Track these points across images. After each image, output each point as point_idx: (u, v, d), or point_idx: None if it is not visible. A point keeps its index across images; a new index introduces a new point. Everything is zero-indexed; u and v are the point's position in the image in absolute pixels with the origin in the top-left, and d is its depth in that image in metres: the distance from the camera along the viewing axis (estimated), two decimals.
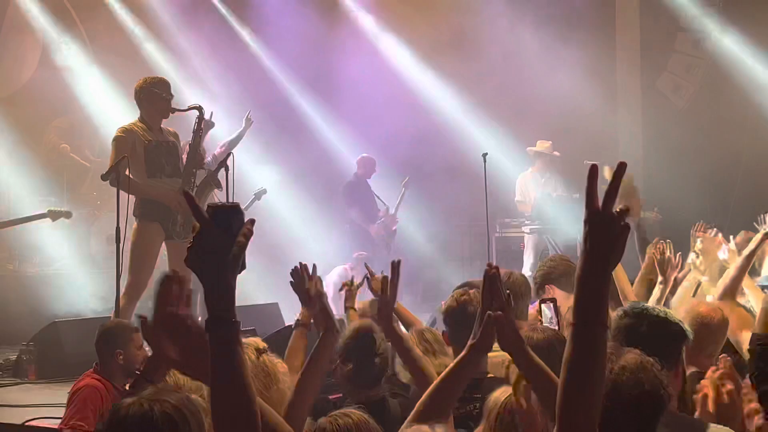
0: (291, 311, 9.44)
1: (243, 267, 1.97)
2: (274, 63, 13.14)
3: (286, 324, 8.21)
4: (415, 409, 2.76)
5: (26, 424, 5.67)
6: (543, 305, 4.06)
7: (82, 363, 6.31)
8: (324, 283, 10.84)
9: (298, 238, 12.37)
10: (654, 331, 3.17)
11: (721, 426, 3.12)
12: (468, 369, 2.76)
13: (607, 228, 1.99)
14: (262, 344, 3.26)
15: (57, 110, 11.84)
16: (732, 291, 4.73)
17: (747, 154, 11.52)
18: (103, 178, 7.28)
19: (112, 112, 10.94)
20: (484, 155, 9.89)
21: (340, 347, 3.36)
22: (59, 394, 6.38)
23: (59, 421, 5.04)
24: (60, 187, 11.39)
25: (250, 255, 1.97)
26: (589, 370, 2.01)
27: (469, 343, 2.72)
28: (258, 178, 12.07)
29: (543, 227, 10.70)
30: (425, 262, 12.70)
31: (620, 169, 1.99)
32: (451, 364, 2.79)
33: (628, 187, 6.32)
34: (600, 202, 1.99)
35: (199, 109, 7.58)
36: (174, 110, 7.47)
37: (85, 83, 11.89)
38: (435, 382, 2.81)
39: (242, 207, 1.98)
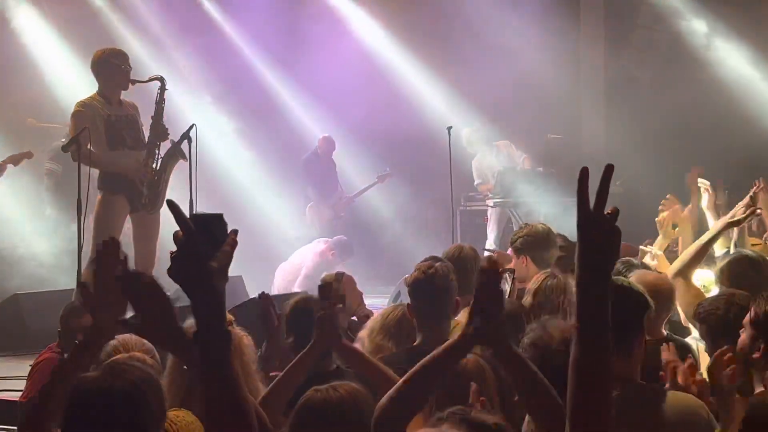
0: (255, 284, 9.43)
1: (226, 279, 1.89)
2: (239, 35, 13.00)
3: (250, 297, 8.21)
4: (383, 400, 2.54)
5: None
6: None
7: (43, 336, 6.28)
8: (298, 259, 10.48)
9: (265, 213, 12.33)
10: (624, 302, 3.21)
11: (682, 393, 3.17)
12: (456, 357, 2.58)
13: (599, 230, 2.01)
14: (229, 317, 3.26)
15: (14, 80, 11.60)
16: (687, 271, 4.74)
17: (710, 129, 11.62)
18: (64, 149, 7.20)
19: (70, 82, 10.78)
20: (449, 128, 9.90)
21: (284, 320, 3.35)
22: (20, 367, 6.34)
23: (20, 394, 5.01)
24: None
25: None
26: (594, 372, 2.02)
27: (463, 331, 2.50)
28: (221, 149, 12.02)
29: (506, 200, 10.75)
30: (389, 235, 12.71)
31: (608, 172, 2.00)
32: (435, 352, 2.56)
33: None
34: (591, 205, 2.00)
35: (161, 80, 7.49)
36: (134, 81, 7.37)
37: (43, 54, 11.69)
38: (412, 371, 2.56)
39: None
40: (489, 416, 2.16)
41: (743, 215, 4.92)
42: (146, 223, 7.25)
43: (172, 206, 1.91)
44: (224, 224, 1.91)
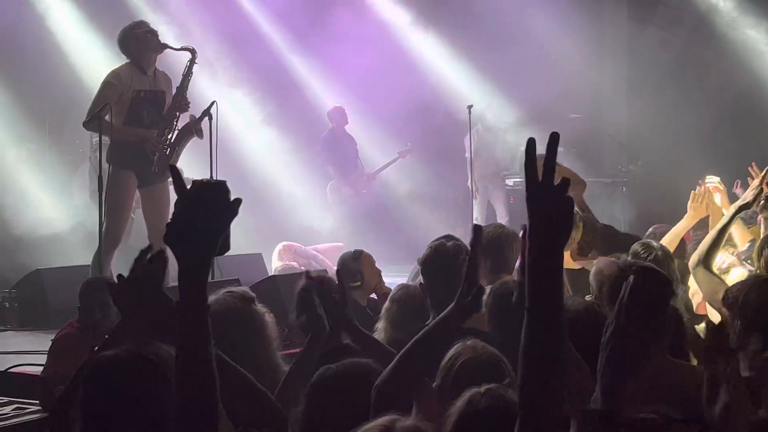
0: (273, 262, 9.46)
1: (227, 248, 1.88)
2: (261, 14, 12.94)
3: (270, 274, 8.24)
4: (384, 372, 2.58)
5: (9, 371, 5.68)
6: None
7: (64, 311, 6.33)
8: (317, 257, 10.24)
9: (286, 192, 12.35)
10: (649, 284, 3.29)
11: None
12: (448, 332, 2.61)
13: (549, 201, 1.88)
14: (250, 294, 3.29)
15: (35, 56, 11.61)
16: (707, 261, 4.65)
17: (733, 108, 11.53)
18: (87, 127, 7.24)
19: (90, 58, 10.80)
20: (470, 107, 9.86)
21: (295, 301, 3.40)
22: (42, 341, 6.40)
23: (41, 368, 5.05)
24: (41, 133, 11.27)
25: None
26: (545, 356, 1.87)
27: (455, 304, 2.59)
28: (241, 127, 12.02)
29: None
30: (409, 214, 12.71)
31: (553, 139, 1.89)
32: (427, 328, 2.63)
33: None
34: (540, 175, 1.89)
35: (192, 51, 7.48)
36: (166, 46, 7.40)
37: (65, 30, 11.71)
38: (405, 349, 2.61)
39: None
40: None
41: (753, 197, 4.81)
42: (155, 197, 7.28)
43: (174, 171, 1.92)
44: (227, 193, 1.86)
